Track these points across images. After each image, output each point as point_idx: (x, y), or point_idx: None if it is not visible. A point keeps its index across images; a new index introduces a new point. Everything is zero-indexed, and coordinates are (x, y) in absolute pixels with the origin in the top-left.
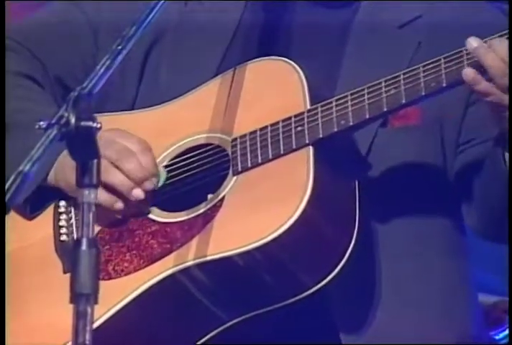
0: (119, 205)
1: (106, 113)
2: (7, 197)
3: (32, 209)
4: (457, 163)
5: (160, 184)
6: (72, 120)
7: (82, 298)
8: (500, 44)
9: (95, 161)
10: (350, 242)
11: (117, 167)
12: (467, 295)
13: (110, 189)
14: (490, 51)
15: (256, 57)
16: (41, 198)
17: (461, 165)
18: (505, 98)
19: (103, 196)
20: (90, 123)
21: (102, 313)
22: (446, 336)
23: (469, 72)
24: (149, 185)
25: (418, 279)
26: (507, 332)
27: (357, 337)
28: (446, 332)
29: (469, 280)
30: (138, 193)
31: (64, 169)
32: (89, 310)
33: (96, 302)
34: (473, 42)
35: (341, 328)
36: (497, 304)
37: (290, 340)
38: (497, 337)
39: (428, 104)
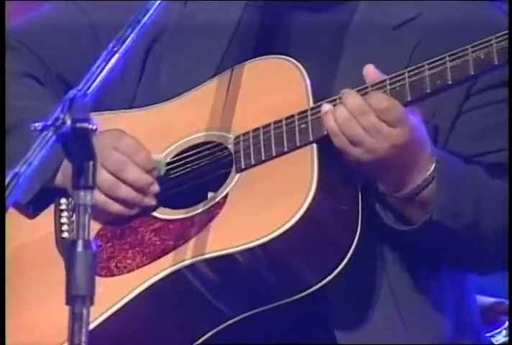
0: (134, 212)
1: (105, 112)
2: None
3: (36, 208)
4: None
5: (162, 172)
6: (68, 122)
7: (78, 300)
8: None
9: (91, 162)
10: (354, 239)
11: (120, 180)
12: (461, 297)
13: (121, 201)
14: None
15: (255, 57)
16: (46, 197)
17: None
18: (351, 151)
19: (116, 208)
20: (85, 125)
21: (105, 310)
22: (439, 336)
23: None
24: (155, 189)
25: (415, 280)
26: (502, 331)
27: (352, 336)
28: (438, 333)
29: (464, 281)
30: (151, 202)
31: (69, 171)
32: (85, 311)
33: (92, 303)
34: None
35: (337, 327)
36: (494, 306)
37: (285, 339)
38: (494, 339)
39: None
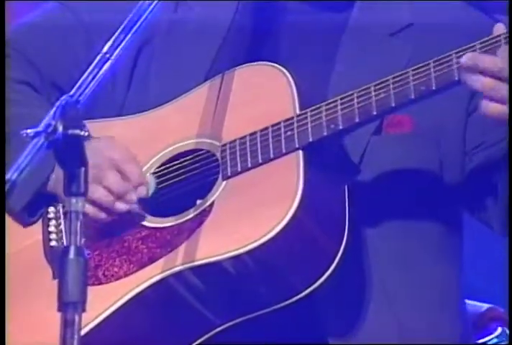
0: (104, 216)
1: (96, 120)
2: None
3: (31, 215)
4: (472, 166)
5: (150, 192)
6: (60, 128)
7: (69, 306)
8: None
9: (82, 169)
10: (340, 246)
11: (97, 182)
12: (456, 300)
13: (94, 203)
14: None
15: (246, 62)
16: (40, 204)
17: (476, 167)
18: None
19: (88, 208)
20: (77, 132)
21: (92, 319)
22: (434, 340)
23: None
24: (131, 196)
25: (408, 284)
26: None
27: (345, 342)
28: (434, 336)
29: (458, 285)
30: (120, 207)
31: (61, 177)
32: (77, 318)
33: (83, 310)
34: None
35: (330, 333)
36: (486, 312)
37: (277, 342)
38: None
39: (422, 112)
